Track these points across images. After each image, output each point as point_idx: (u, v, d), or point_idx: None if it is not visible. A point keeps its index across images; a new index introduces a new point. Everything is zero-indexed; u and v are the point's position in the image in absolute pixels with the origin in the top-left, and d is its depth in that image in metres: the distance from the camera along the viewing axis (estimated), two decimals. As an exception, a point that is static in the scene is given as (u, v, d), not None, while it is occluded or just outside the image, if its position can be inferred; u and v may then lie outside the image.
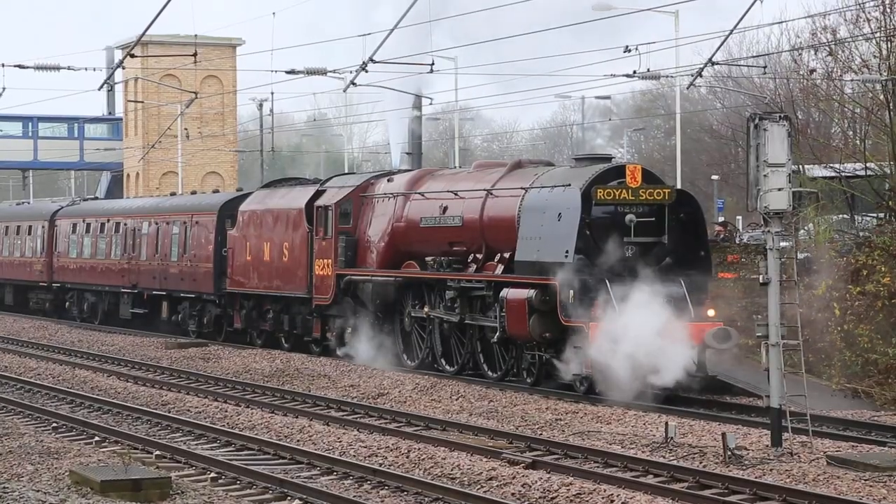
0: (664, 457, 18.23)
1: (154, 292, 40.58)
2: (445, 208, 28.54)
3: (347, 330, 31.09)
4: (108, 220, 44.45)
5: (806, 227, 30.93)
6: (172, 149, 64.08)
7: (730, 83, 51.90)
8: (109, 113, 76.55)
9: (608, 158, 27.13)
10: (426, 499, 15.93)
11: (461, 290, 27.34)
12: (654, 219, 25.00)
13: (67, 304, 47.55)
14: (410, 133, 39.81)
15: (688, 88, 39.62)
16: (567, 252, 24.53)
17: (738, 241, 33.69)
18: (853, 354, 25.45)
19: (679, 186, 32.91)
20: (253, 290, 34.81)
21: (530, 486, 16.19)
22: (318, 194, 32.58)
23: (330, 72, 31.23)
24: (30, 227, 50.39)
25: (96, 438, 20.36)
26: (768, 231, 18.69)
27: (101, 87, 35.76)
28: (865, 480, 16.28)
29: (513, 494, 16.04)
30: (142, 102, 65.12)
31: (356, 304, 30.55)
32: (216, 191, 48.26)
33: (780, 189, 18.52)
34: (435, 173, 30.89)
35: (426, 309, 28.58)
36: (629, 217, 24.82)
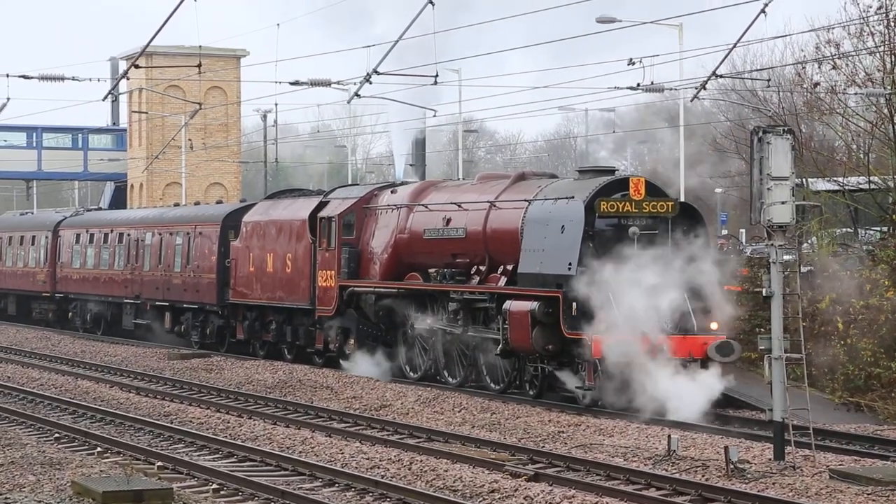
0: (667, 470, 18.21)
1: (157, 303, 40.58)
2: (449, 220, 28.54)
3: (350, 341, 31.11)
4: (112, 231, 44.47)
5: (809, 241, 30.92)
6: (176, 159, 64.12)
7: (733, 96, 51.89)
8: (113, 123, 76.62)
9: (612, 171, 27.14)
10: (428, 511, 15.90)
11: (464, 302, 27.33)
12: (657, 231, 25.00)
13: (70, 314, 47.56)
14: (415, 145, 39.84)
15: (692, 101, 39.61)
16: (570, 264, 24.53)
17: (741, 254, 33.67)
18: (856, 368, 25.43)
19: (682, 199, 32.88)
20: (256, 301, 34.81)
21: (532, 499, 16.16)
22: (321, 205, 32.59)
23: (334, 83, 31.21)
24: (33, 237, 50.42)
25: (98, 449, 20.33)
26: (772, 244, 18.68)
27: (106, 97, 35.89)
28: (868, 495, 16.25)
29: (515, 507, 16.02)
30: (146, 113, 65.18)
31: (359, 315, 30.54)
32: (220, 202, 48.31)
33: (783, 202, 18.52)
34: (438, 185, 30.90)
35: (429, 321, 28.56)
36: (632, 229, 24.80)
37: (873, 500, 16.00)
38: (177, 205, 50.44)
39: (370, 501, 16.61)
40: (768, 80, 40.73)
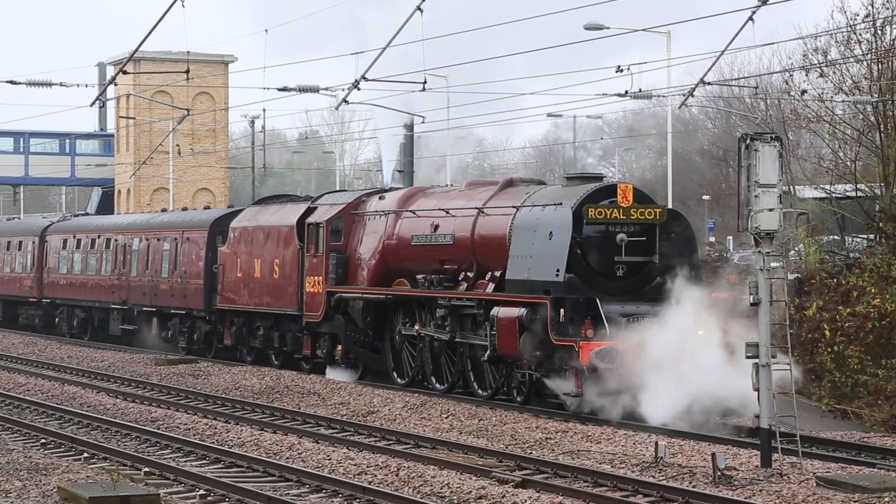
0: (654, 476, 18.22)
1: (144, 309, 40.53)
2: (436, 226, 28.55)
3: (338, 348, 31.11)
4: (99, 236, 44.41)
5: (796, 248, 30.97)
6: (164, 165, 64.09)
7: (721, 103, 52.01)
8: (101, 129, 76.59)
9: (599, 177, 27.18)
10: (415, 517, 15.89)
11: (452, 308, 27.34)
12: (645, 238, 25.04)
13: (57, 319, 47.48)
14: (402, 151, 39.86)
15: (679, 108, 39.68)
16: (558, 271, 24.56)
17: (728, 260, 33.74)
18: (843, 375, 25.47)
19: (670, 206, 32.90)
20: (243, 306, 34.77)
21: (520, 506, 16.16)
22: (309, 211, 32.59)
23: (322, 89, 31.23)
24: (20, 242, 50.33)
25: (85, 455, 20.30)
26: (759, 251, 18.71)
27: (93, 103, 35.80)
28: (855, 502, 16.28)
29: (502, 513, 16.01)
30: (133, 119, 65.14)
31: (347, 321, 30.54)
32: (207, 207, 48.29)
33: (770, 209, 18.56)
34: (426, 191, 30.92)
35: (416, 327, 28.58)
36: (620, 236, 24.85)
37: (860, 507, 16.03)
38: (164, 210, 50.42)
39: (357, 508, 16.60)
40: (756, 88, 40.81)
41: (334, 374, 31.19)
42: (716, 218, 61.60)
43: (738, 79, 48.93)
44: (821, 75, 30.73)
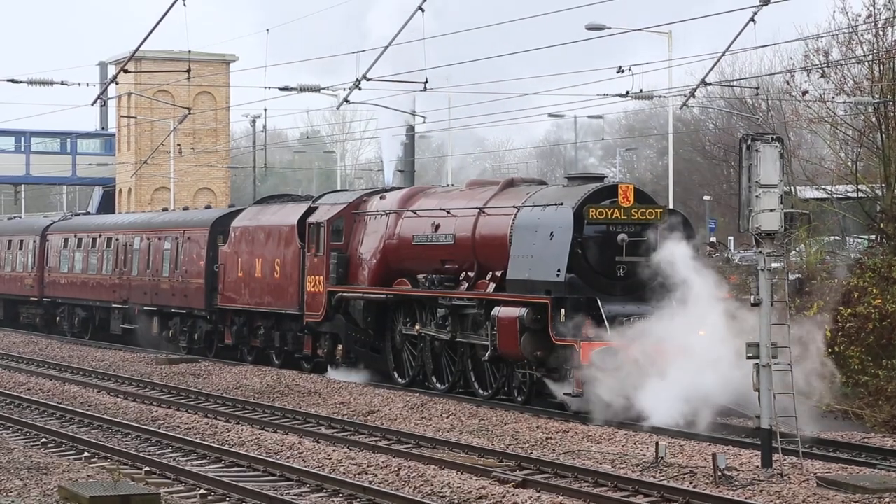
0: (654, 477, 18.23)
1: (145, 308, 40.53)
2: (437, 226, 28.56)
3: (338, 347, 31.12)
4: (100, 236, 44.42)
5: (797, 249, 30.97)
6: (165, 164, 64.10)
7: (722, 104, 52.02)
8: (102, 128, 76.63)
9: (600, 178, 27.20)
10: (416, 517, 15.89)
11: (452, 308, 27.35)
12: (645, 238, 25.06)
13: (58, 318, 47.50)
14: (403, 150, 39.87)
15: (681, 109, 39.67)
16: (559, 271, 24.57)
17: (729, 260, 33.70)
18: (844, 376, 25.47)
19: (671, 206, 32.90)
20: (244, 306, 34.78)
21: (520, 505, 16.16)
22: (310, 211, 32.59)
23: (323, 89, 31.24)
24: (21, 241, 50.36)
25: (86, 454, 20.31)
26: (760, 252, 18.71)
27: (95, 102, 35.84)
28: (855, 502, 16.29)
29: (503, 513, 16.02)
30: (135, 118, 65.16)
31: (347, 321, 30.54)
32: (208, 206, 48.27)
33: (771, 210, 18.56)
34: (427, 191, 30.93)
35: (417, 326, 28.59)
36: (621, 236, 24.86)
37: (860, 508, 16.03)
38: (165, 209, 50.43)
39: (358, 507, 16.60)
40: (756, 89, 40.82)
41: (337, 375, 31.17)
42: (717, 218, 61.55)
43: (740, 79, 48.89)
44: (822, 76, 30.74)
